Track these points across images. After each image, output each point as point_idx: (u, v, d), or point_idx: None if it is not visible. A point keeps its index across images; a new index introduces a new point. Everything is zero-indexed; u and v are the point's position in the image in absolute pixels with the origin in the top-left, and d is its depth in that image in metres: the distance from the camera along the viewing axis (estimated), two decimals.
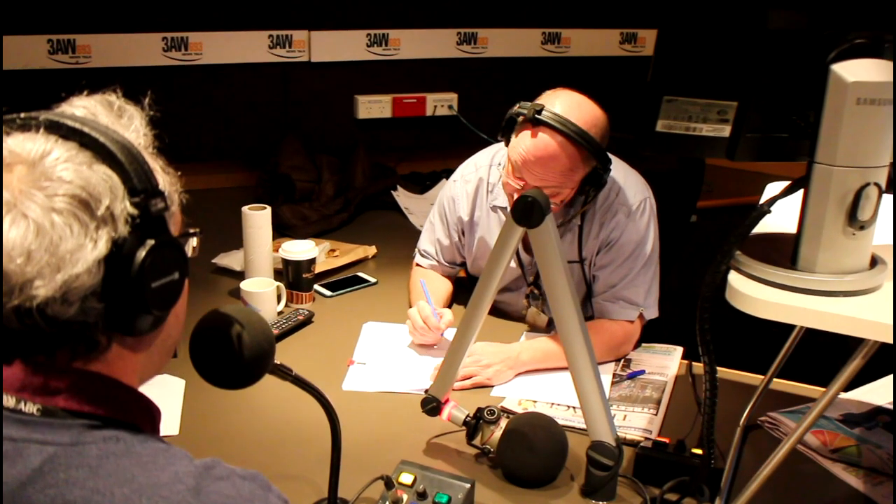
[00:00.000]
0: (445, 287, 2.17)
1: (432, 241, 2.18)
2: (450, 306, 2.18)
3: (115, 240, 0.76)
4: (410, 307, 2.13)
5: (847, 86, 1.03)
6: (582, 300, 2.08)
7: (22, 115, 0.79)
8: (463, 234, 2.13)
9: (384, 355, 1.93)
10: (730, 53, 1.08)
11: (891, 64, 1.05)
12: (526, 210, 1.35)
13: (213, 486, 0.77)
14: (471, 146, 3.32)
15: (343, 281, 2.34)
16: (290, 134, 2.93)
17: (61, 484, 0.73)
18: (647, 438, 1.60)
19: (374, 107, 3.21)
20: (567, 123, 1.71)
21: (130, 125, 0.85)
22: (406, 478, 1.39)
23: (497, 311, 2.15)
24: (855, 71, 1.04)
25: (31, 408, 0.76)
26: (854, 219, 1.08)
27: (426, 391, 1.61)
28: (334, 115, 3.21)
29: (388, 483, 1.36)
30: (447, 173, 3.15)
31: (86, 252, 0.74)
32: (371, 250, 2.53)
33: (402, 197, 3.02)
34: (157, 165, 0.84)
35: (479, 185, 2.07)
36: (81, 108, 0.84)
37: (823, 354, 1.86)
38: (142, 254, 0.77)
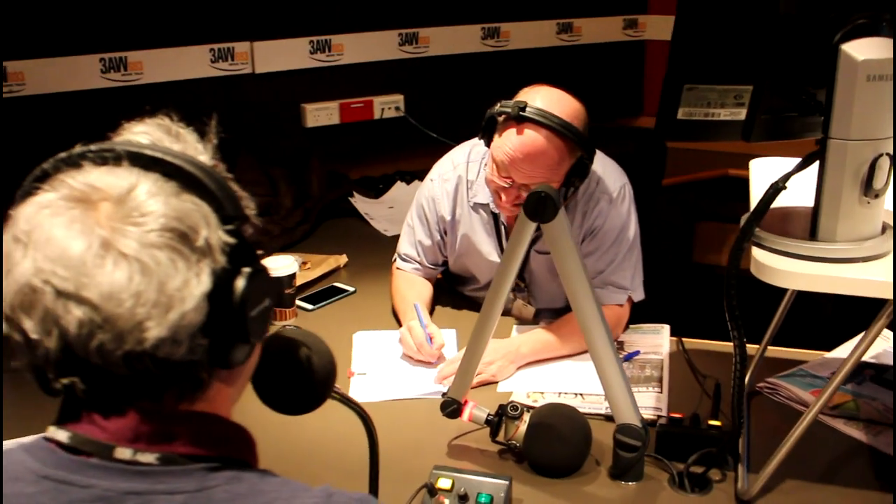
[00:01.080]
0: (428, 291, 2.18)
1: (413, 243, 2.18)
2: (432, 309, 2.19)
3: (215, 271, 0.73)
4: (394, 312, 2.14)
5: (857, 64, 1.09)
6: None
7: (93, 147, 0.75)
8: (445, 233, 2.14)
9: (383, 364, 1.93)
10: (744, 39, 1.12)
11: (891, 41, 1.12)
12: (539, 205, 1.38)
13: None
14: (420, 146, 3.35)
15: (322, 293, 2.32)
16: (242, 149, 2.88)
17: None
18: (660, 416, 1.65)
19: (321, 114, 3.18)
20: (551, 117, 1.75)
21: (197, 149, 0.81)
22: (444, 482, 1.40)
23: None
24: (863, 49, 1.10)
25: (148, 457, 0.74)
26: (869, 188, 1.15)
27: (444, 394, 1.62)
28: (282, 126, 3.17)
29: (432, 490, 1.37)
30: (399, 175, 3.16)
31: (192, 287, 0.71)
32: (342, 259, 2.52)
33: (359, 202, 3.01)
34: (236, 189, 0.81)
35: (458, 183, 2.08)
36: (142, 134, 0.80)
37: (805, 319, 1.96)
38: (241, 283, 0.74)
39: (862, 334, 1.93)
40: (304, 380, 0.99)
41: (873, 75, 1.09)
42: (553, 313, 2.11)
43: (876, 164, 1.13)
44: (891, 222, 1.24)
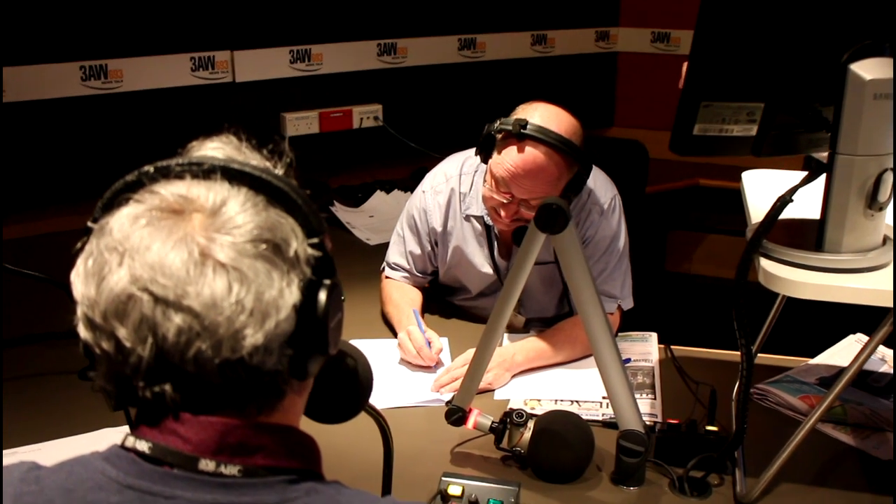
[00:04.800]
0: (420, 298, 2.19)
1: (402, 253, 2.20)
2: (423, 314, 2.21)
3: (303, 282, 0.75)
4: (385, 321, 2.15)
5: (865, 83, 1.15)
6: (560, 298, 2.16)
7: (179, 161, 0.77)
8: (436, 244, 2.16)
9: (381, 372, 1.94)
10: (760, 58, 1.17)
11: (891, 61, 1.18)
12: (550, 217, 1.41)
13: None
14: (398, 156, 3.37)
15: None
16: None
17: None
18: (656, 422, 1.69)
19: (301, 123, 3.18)
20: (550, 133, 1.78)
21: (267, 164, 0.83)
22: (455, 489, 1.42)
23: (473, 316, 2.19)
24: (870, 69, 1.15)
25: (231, 469, 0.74)
26: (874, 201, 1.20)
27: (448, 403, 1.63)
28: (262, 134, 3.16)
29: (444, 497, 1.38)
30: (378, 184, 3.17)
31: (286, 297, 0.73)
32: None
33: (340, 212, 3.01)
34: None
35: (450, 195, 2.11)
36: (217, 149, 0.82)
37: (789, 326, 2.03)
38: (323, 296, 0.76)
39: (844, 340, 2.03)
40: (348, 389, 1.00)
41: (880, 94, 1.15)
42: (543, 323, 2.14)
43: (881, 179, 1.18)
44: (891, 234, 1.30)
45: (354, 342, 1.99)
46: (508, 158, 1.82)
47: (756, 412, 1.78)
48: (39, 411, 1.74)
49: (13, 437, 1.59)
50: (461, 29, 3.47)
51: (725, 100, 1.16)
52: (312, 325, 0.76)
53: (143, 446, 0.75)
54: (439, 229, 2.13)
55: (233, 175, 0.76)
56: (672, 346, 2.03)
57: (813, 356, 1.98)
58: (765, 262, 1.27)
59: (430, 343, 1.91)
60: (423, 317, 2.19)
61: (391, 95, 3.36)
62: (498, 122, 1.83)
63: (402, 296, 2.15)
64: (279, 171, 0.84)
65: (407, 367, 1.95)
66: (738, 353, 1.88)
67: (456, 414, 1.62)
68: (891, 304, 1.21)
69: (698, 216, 3.51)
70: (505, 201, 1.86)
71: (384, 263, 2.25)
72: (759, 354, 1.93)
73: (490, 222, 2.03)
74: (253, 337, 0.71)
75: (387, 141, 3.33)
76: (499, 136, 1.84)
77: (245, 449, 0.75)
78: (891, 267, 1.25)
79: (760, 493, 1.47)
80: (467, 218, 2.10)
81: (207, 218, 0.73)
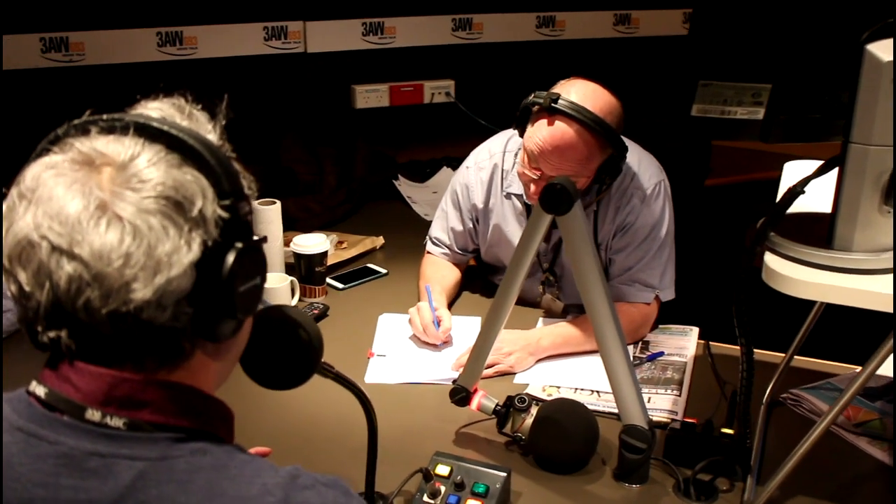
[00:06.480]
0: (454, 277, 2.17)
1: (445, 228, 2.18)
2: (458, 294, 2.18)
3: (206, 242, 0.75)
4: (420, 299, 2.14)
5: (882, 66, 1.04)
6: None
7: (105, 116, 0.78)
8: (477, 221, 2.13)
9: (403, 347, 1.94)
10: (763, 36, 1.08)
11: None
12: (555, 197, 1.36)
13: (300, 496, 0.77)
14: (469, 133, 3.33)
15: (354, 273, 2.33)
16: (290, 126, 2.91)
17: (153, 500, 0.73)
18: (673, 420, 1.61)
19: (371, 96, 3.19)
20: (583, 111, 1.71)
21: (206, 128, 0.84)
22: (442, 469, 1.40)
23: None
24: (889, 50, 1.04)
25: (116, 422, 0.75)
26: (889, 196, 1.09)
27: (454, 381, 1.61)
28: (331, 106, 3.20)
29: (427, 475, 1.36)
30: (447, 161, 3.15)
31: (181, 255, 0.73)
32: (378, 241, 2.53)
33: (403, 186, 3.01)
34: (238, 168, 0.83)
35: (493, 171, 2.07)
36: (156, 110, 0.83)
37: (841, 330, 1.89)
38: (231, 257, 0.76)
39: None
40: (288, 353, 0.99)
41: None
42: (581, 309, 2.08)
43: None
44: None
45: (385, 315, 2.05)
46: (538, 132, 1.76)
47: (786, 418, 1.68)
48: None
49: None
50: (541, 6, 3.39)
51: (726, 79, 1.08)
52: (217, 287, 0.76)
53: (40, 391, 0.77)
54: (480, 206, 2.10)
55: (151, 133, 0.77)
56: (713, 343, 1.93)
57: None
58: (768, 257, 1.18)
59: (439, 322, 1.89)
60: (458, 295, 2.17)
61: (464, 71, 3.33)
62: (533, 94, 1.78)
63: (434, 272, 2.13)
64: (214, 134, 0.85)
65: (426, 346, 1.94)
66: (783, 354, 1.80)
67: (459, 394, 1.59)
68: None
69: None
70: (535, 177, 1.80)
71: (426, 238, 2.24)
72: (801, 357, 1.81)
73: (529, 201, 1.98)
74: (142, 291, 0.72)
75: (457, 117, 3.30)
76: (533, 109, 1.79)
77: (132, 403, 0.76)
78: None
79: (766, 503, 1.38)
80: (508, 196, 2.06)
81: (116, 172, 0.74)
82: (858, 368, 1.82)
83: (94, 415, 0.75)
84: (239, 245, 0.77)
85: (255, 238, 0.82)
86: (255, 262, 0.80)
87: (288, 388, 1.05)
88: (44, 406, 0.77)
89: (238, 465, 0.78)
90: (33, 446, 0.75)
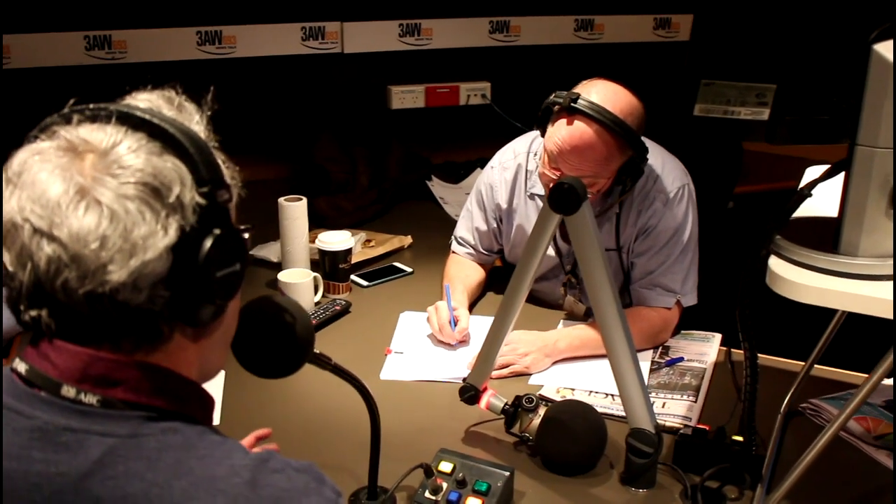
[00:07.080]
0: (477, 277, 2.17)
1: (469, 228, 2.18)
2: (482, 295, 2.18)
3: (184, 228, 0.77)
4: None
5: (890, 66, 1.02)
6: (620, 288, 2.07)
7: (91, 105, 0.81)
8: (501, 221, 2.13)
9: (421, 345, 1.94)
10: (768, 35, 1.06)
11: None
12: (562, 197, 1.35)
13: (268, 478, 0.78)
14: (505, 135, 3.30)
15: (379, 271, 2.35)
16: (325, 126, 2.95)
17: (121, 476, 0.75)
18: (686, 426, 1.59)
19: (407, 97, 3.21)
20: (603, 112, 1.70)
21: (192, 119, 0.87)
22: (445, 466, 1.40)
23: (534, 299, 2.14)
24: None
25: (90, 399, 0.78)
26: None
27: (464, 380, 1.61)
28: (367, 106, 3.22)
29: (428, 471, 1.37)
30: (482, 162, 3.14)
31: (157, 239, 0.75)
32: (407, 240, 2.54)
33: (436, 187, 3.03)
34: (220, 158, 0.86)
35: (517, 172, 2.07)
36: (145, 101, 0.86)
37: (864, 340, 1.84)
38: (208, 243, 0.78)
39: None
40: (279, 342, 1.01)
41: None
42: None
43: None
44: None
45: (407, 313, 2.06)
46: (557, 132, 1.76)
47: (804, 429, 1.64)
48: None
49: None
50: (579, 9, 3.37)
51: (729, 79, 1.07)
52: (194, 272, 0.78)
53: (21, 367, 0.81)
54: (504, 206, 2.10)
55: (134, 122, 0.80)
56: (734, 350, 1.90)
57: None
58: (772, 261, 1.16)
59: (456, 321, 1.89)
60: (481, 295, 2.17)
61: (501, 74, 3.32)
62: (554, 94, 1.78)
63: (458, 272, 2.14)
64: (201, 125, 0.87)
65: (442, 344, 1.94)
66: (803, 363, 1.75)
67: (468, 392, 1.59)
68: None
69: None
70: (555, 177, 1.80)
71: (452, 237, 2.24)
72: (825, 367, 1.77)
73: None
74: (118, 273, 0.74)
75: (493, 120, 3.30)
76: (554, 108, 1.79)
77: (106, 381, 0.78)
78: None
79: None
80: (531, 196, 2.06)
81: (98, 158, 0.77)
82: (886, 380, 1.78)
83: (69, 391, 0.78)
84: (217, 231, 0.79)
85: (241, 228, 0.84)
86: (234, 248, 0.82)
87: (278, 376, 1.06)
88: (24, 382, 0.80)
89: (208, 445, 0.80)
90: (10, 420, 0.78)
